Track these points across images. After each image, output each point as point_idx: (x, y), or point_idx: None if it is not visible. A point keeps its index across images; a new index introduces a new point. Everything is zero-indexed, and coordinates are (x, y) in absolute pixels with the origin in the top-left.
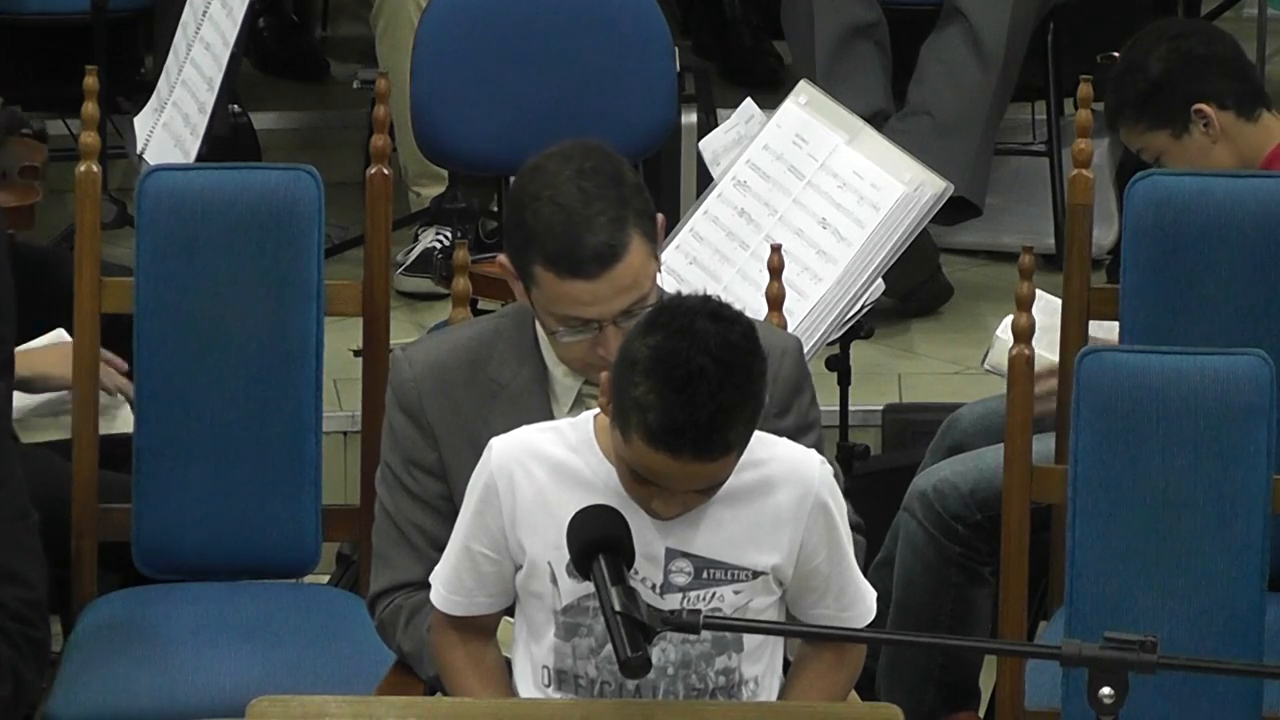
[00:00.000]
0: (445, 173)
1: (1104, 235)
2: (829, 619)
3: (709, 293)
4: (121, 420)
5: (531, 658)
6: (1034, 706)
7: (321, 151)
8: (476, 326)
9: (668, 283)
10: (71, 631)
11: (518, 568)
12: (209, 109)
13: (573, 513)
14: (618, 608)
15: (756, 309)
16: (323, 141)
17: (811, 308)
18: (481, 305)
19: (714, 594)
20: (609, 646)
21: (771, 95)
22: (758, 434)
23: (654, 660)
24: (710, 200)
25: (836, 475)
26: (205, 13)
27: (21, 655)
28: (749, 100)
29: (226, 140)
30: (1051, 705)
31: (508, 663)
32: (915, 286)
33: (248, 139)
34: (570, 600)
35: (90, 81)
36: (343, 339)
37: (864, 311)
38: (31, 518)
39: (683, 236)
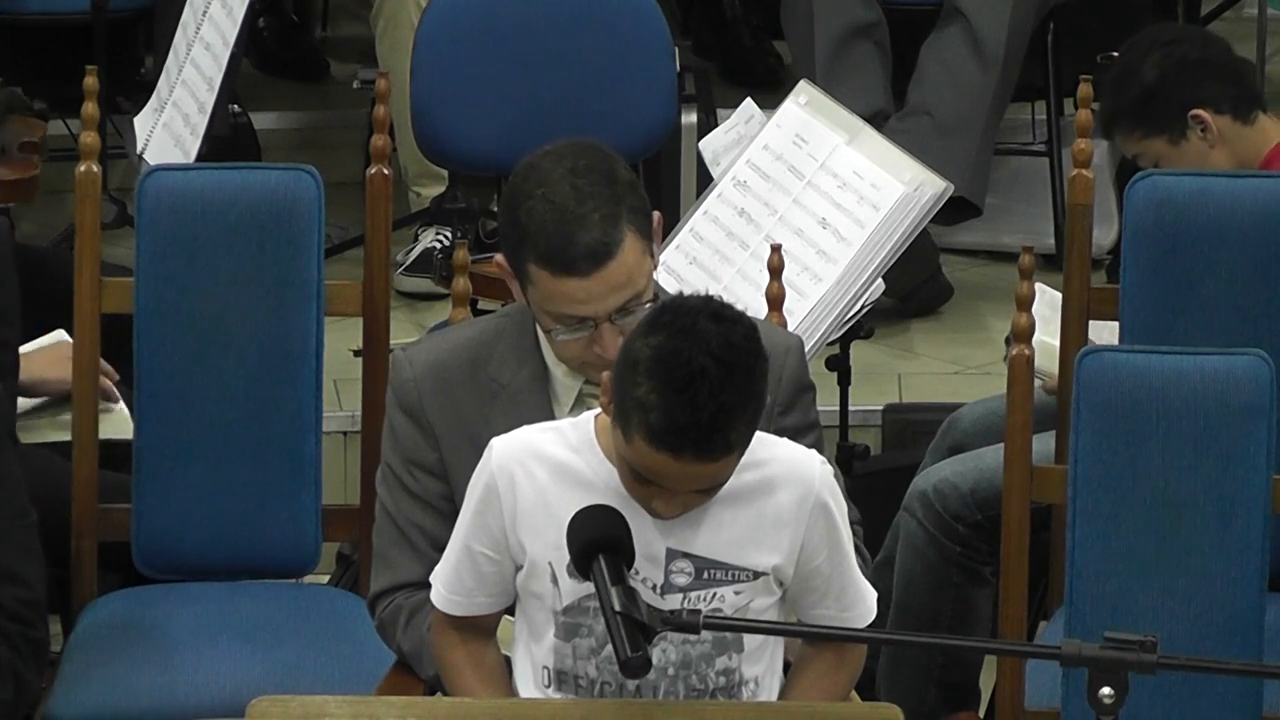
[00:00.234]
0: (445, 173)
1: (1104, 235)
2: (830, 619)
3: (710, 293)
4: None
5: (532, 658)
6: (1034, 706)
7: (321, 151)
8: (477, 326)
9: (668, 283)
10: (71, 631)
11: (518, 568)
12: (209, 109)
13: (573, 513)
14: (618, 608)
15: (756, 309)
16: (323, 141)
17: (811, 308)
18: (481, 305)
19: (714, 594)
20: (609, 647)
21: (771, 95)
22: (758, 434)
23: (654, 660)
24: (710, 200)
25: (835, 476)
26: (205, 13)
27: (21, 656)
28: (749, 100)
29: (226, 140)
30: (1051, 705)
31: (507, 662)
32: (915, 286)
33: (248, 139)
34: (571, 600)
35: (90, 81)
36: (343, 339)
37: (864, 311)
38: (30, 517)
39: (683, 236)
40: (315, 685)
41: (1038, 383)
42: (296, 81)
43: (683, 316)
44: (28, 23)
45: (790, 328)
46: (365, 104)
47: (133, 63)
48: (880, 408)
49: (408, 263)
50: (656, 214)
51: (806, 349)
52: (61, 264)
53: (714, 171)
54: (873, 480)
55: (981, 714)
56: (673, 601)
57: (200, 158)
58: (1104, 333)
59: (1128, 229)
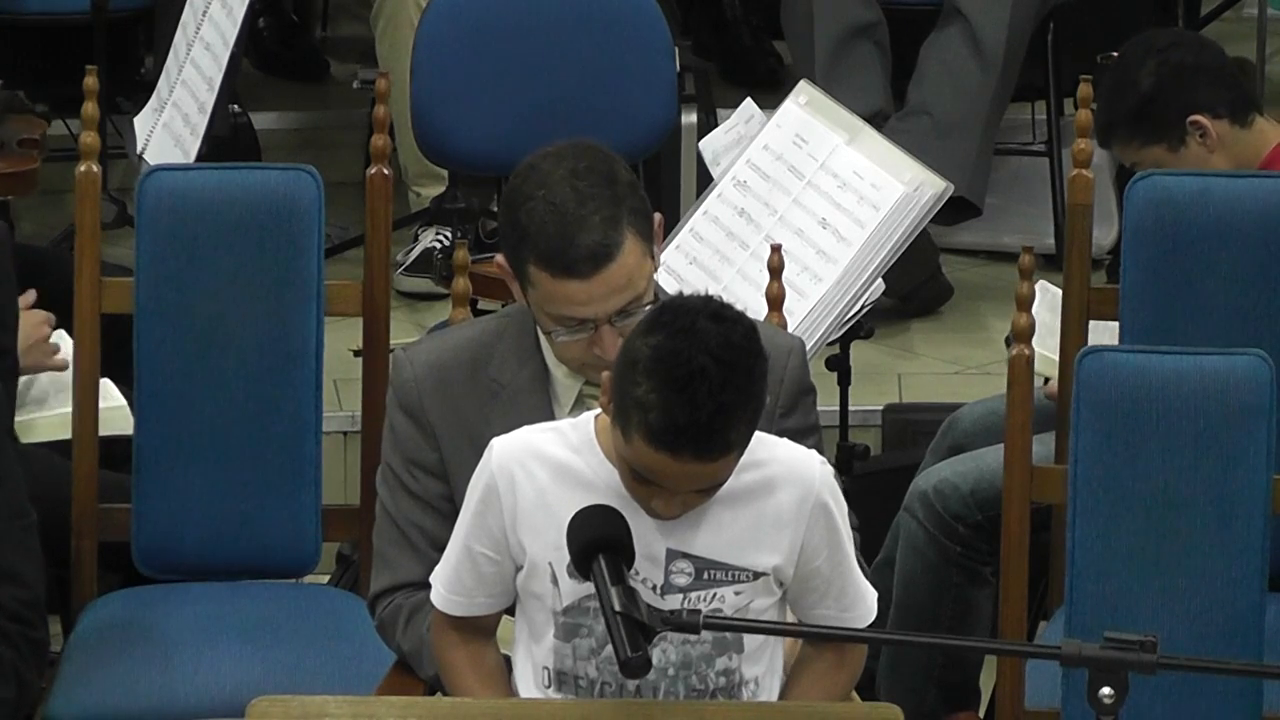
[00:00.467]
0: (445, 173)
1: (1104, 235)
2: (830, 619)
3: (710, 293)
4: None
5: (532, 658)
6: (1034, 706)
7: (321, 151)
8: (477, 326)
9: (668, 283)
10: (71, 631)
11: (518, 568)
12: (209, 109)
13: (573, 513)
14: (618, 608)
15: (756, 309)
16: (323, 141)
17: (811, 308)
18: (481, 305)
19: (715, 595)
20: (609, 647)
21: (771, 95)
22: (758, 435)
23: (654, 661)
24: (710, 200)
25: (835, 477)
26: (205, 13)
27: (22, 656)
28: (749, 100)
29: (226, 140)
30: (1051, 705)
31: (507, 660)
32: (915, 286)
33: (248, 139)
34: (571, 601)
35: (90, 81)
36: (343, 339)
37: (864, 311)
38: (29, 517)
39: (683, 236)
40: (315, 685)
41: (1038, 382)
42: (296, 81)
43: (682, 316)
44: (28, 23)
45: (790, 328)
46: (365, 104)
47: (133, 63)
48: (880, 408)
49: (408, 263)
50: (657, 215)
51: (807, 349)
52: (61, 264)
53: (714, 171)
54: (873, 480)
55: (981, 714)
56: (673, 602)
57: (200, 158)
58: (1104, 334)
59: (1128, 229)
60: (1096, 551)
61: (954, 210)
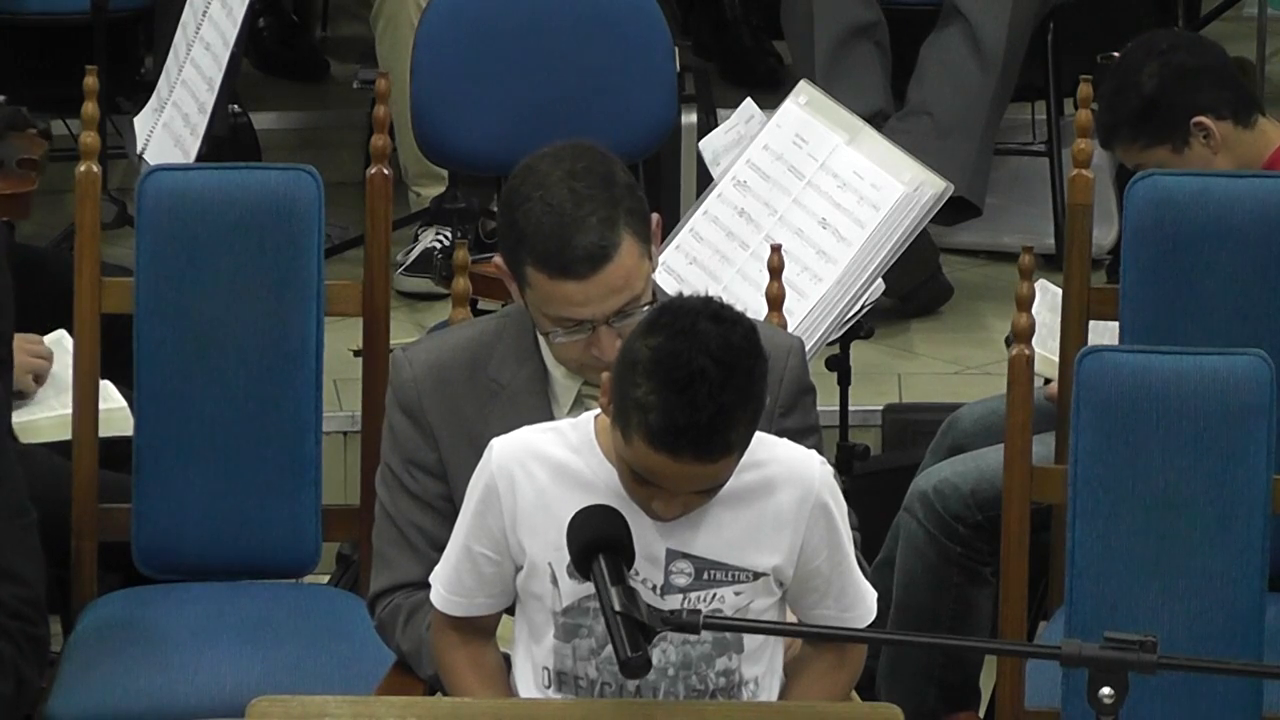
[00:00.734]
0: (445, 173)
1: (1104, 235)
2: (830, 620)
3: (709, 293)
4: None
5: (532, 659)
6: (1034, 706)
7: (321, 151)
8: (477, 327)
9: (668, 283)
10: (71, 631)
11: (518, 568)
12: (209, 109)
13: (573, 513)
14: (618, 608)
15: (756, 309)
16: (323, 141)
17: (811, 308)
18: (481, 305)
19: (714, 595)
20: (609, 647)
21: (771, 95)
22: (758, 435)
23: (654, 661)
24: (710, 200)
25: (835, 477)
26: (205, 13)
27: (22, 653)
28: (749, 100)
29: (226, 140)
30: (1051, 705)
31: (507, 660)
32: (915, 286)
33: (248, 139)
34: (570, 601)
35: (90, 81)
36: (343, 339)
37: (864, 311)
38: (29, 516)
39: (683, 236)
40: (315, 685)
41: (1038, 382)
42: (296, 81)
43: (682, 317)
44: (28, 23)
45: (790, 328)
46: (365, 104)
47: (133, 63)
48: (880, 408)
49: (408, 263)
50: (655, 216)
51: (806, 349)
52: (61, 264)
53: (714, 171)
54: (873, 480)
55: (981, 714)
56: (673, 602)
57: (200, 158)
58: (1104, 334)
59: (1128, 229)
60: (1096, 551)
61: (954, 210)
